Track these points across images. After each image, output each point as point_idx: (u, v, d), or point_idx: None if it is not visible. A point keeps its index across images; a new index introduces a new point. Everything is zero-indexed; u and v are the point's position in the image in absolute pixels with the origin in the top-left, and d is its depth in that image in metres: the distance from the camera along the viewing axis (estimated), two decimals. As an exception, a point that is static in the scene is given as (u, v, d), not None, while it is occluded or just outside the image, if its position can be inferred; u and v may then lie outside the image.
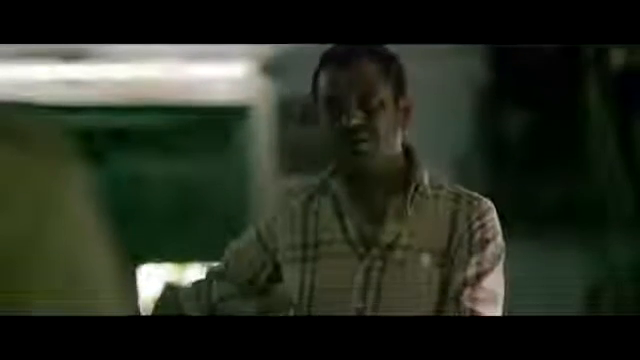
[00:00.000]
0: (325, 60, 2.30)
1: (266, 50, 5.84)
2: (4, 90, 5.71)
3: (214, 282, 2.48)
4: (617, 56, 5.44)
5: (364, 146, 2.23)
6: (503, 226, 2.33)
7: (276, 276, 2.42)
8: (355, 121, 2.22)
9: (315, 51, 2.38)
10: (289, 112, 5.74)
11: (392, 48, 2.65)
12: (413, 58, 5.37)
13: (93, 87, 5.94)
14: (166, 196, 6.10)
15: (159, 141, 6.17)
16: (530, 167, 5.73)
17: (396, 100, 2.28)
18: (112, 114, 6.08)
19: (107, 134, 6.14)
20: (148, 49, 5.77)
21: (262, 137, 5.97)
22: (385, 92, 2.26)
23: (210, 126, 6.18)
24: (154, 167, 6.15)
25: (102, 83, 5.94)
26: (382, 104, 2.25)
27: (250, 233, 2.46)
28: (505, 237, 2.32)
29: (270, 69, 5.88)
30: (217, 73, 5.98)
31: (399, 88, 2.30)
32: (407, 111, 2.31)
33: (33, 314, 0.96)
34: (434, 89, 5.68)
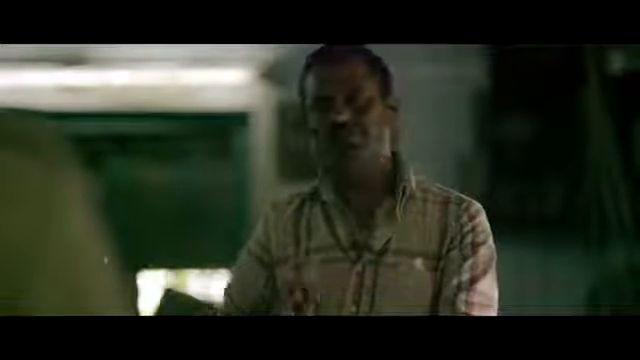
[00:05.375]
0: (312, 60, 2.31)
1: (266, 56, 5.84)
2: (3, 96, 5.71)
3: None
4: (617, 56, 5.44)
5: (353, 142, 2.23)
6: (503, 228, 2.32)
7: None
8: (343, 117, 2.22)
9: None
10: (289, 118, 5.74)
11: (392, 48, 2.64)
12: (414, 60, 5.40)
13: (93, 93, 5.93)
14: (166, 202, 6.10)
15: (159, 147, 6.18)
16: (530, 169, 5.73)
17: (383, 98, 2.29)
18: (112, 120, 6.08)
19: (106, 140, 6.15)
20: (148, 55, 5.77)
21: (262, 143, 5.97)
22: (372, 90, 2.27)
23: (210, 132, 6.19)
24: (154, 173, 6.15)
25: (102, 89, 5.94)
26: (370, 102, 2.26)
27: (244, 255, 2.45)
28: (505, 239, 2.30)
29: (270, 75, 5.88)
30: (217, 79, 5.98)
31: (385, 87, 2.31)
32: (394, 110, 2.32)
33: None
34: (434, 91, 5.68)
